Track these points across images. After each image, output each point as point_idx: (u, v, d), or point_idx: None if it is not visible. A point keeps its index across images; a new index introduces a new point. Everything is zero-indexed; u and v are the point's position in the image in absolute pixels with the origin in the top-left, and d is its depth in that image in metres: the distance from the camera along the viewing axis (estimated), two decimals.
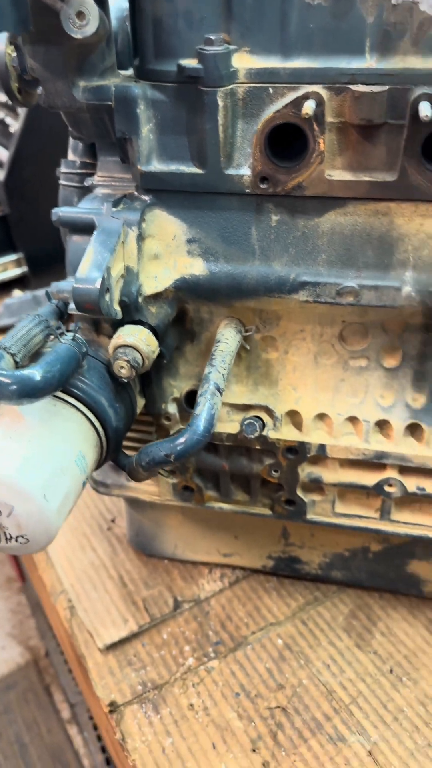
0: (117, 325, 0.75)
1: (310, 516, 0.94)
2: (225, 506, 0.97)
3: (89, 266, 0.70)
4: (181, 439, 0.72)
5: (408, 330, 0.78)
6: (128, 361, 0.71)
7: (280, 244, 0.74)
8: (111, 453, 0.77)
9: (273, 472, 0.91)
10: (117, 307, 0.74)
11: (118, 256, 0.73)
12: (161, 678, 0.97)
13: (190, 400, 0.89)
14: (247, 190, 0.72)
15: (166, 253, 0.77)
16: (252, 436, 0.86)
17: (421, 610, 1.04)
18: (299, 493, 0.92)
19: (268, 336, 0.84)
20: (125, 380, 0.72)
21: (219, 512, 0.98)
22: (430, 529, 0.91)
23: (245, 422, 0.86)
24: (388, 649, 0.99)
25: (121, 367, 0.71)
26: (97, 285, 0.68)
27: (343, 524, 0.93)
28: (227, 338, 0.79)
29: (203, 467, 0.94)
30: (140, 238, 0.74)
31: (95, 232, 0.72)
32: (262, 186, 0.71)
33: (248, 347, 0.84)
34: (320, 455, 0.87)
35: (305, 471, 0.90)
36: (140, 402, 0.86)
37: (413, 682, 0.94)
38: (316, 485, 0.92)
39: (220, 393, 0.75)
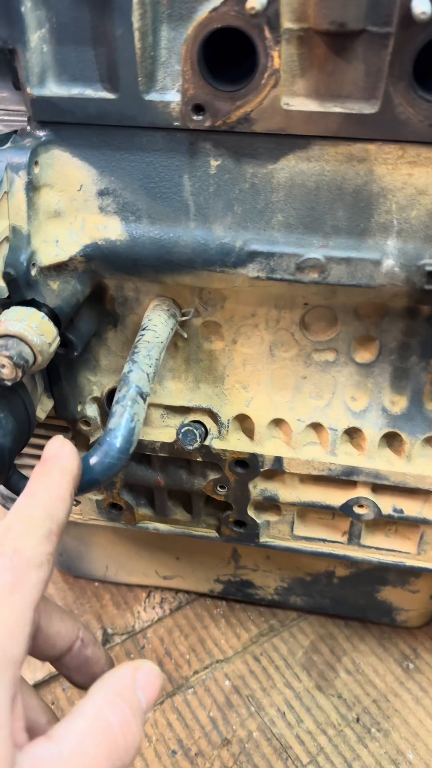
0: (1, 307, 0.56)
1: (264, 539, 0.77)
2: (161, 527, 0.79)
3: None
4: (91, 461, 0.54)
5: (387, 316, 0.61)
6: (10, 358, 0.52)
7: (222, 200, 0.56)
8: None
9: (219, 489, 0.73)
10: (1, 282, 0.55)
11: (1, 211, 0.54)
12: None
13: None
14: (176, 123, 0.53)
15: (70, 210, 0.58)
16: (191, 447, 0.68)
17: (392, 641, 0.89)
18: (251, 513, 0.75)
19: (210, 321, 0.66)
20: (8, 383, 0.53)
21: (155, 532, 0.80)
22: (407, 556, 0.74)
23: (183, 429, 0.68)
24: (355, 692, 0.83)
25: (1, 366, 0.52)
26: None
27: (303, 549, 0.76)
28: (156, 325, 0.61)
29: (133, 482, 0.76)
30: (31, 187, 0.54)
31: None
32: (195, 118, 0.52)
33: (185, 335, 0.65)
34: (276, 470, 0.70)
35: (258, 488, 0.73)
36: (47, 404, 0.68)
37: (383, 734, 0.79)
38: (271, 504, 0.75)
39: (144, 399, 0.56)
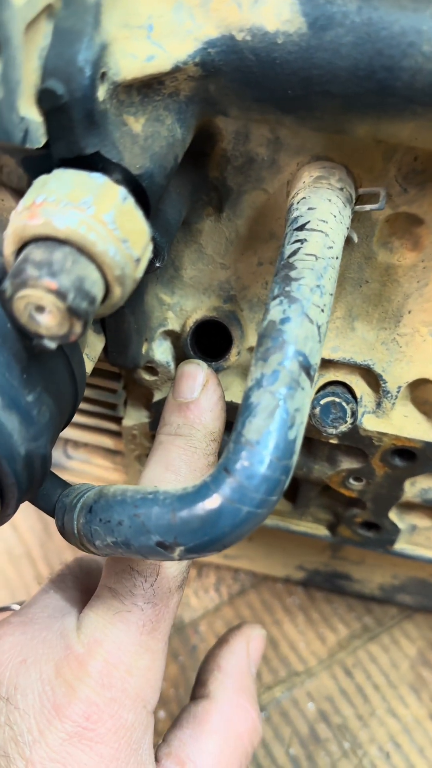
0: (33, 172, 0.26)
1: (400, 546, 0.52)
2: None
3: None
4: (205, 505, 0.27)
5: None
6: (61, 295, 0.22)
7: None
8: (22, 496, 0.30)
9: (352, 482, 0.47)
10: (32, 112, 0.24)
11: None
12: None
13: (203, 338, 0.42)
14: None
15: None
16: (335, 431, 0.40)
17: None
18: (392, 515, 0.49)
19: (406, 215, 0.35)
20: (51, 346, 0.24)
21: None
22: None
23: (322, 401, 0.40)
24: None
25: (38, 315, 0.23)
26: None
27: None
28: (324, 220, 0.31)
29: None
30: None
31: None
32: None
33: (356, 239, 0.35)
34: None
35: (418, 486, 0.46)
36: (95, 346, 0.39)
37: None
38: (428, 507, 0.49)
39: (311, 378, 0.28)
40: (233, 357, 0.41)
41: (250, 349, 0.42)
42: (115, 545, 0.29)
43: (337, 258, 0.30)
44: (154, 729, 0.36)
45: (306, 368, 0.28)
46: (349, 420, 0.40)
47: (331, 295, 0.30)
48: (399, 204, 0.35)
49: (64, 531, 0.32)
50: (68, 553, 0.71)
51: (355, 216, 0.36)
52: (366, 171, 0.34)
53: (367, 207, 0.33)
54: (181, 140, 0.30)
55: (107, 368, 0.43)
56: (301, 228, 0.31)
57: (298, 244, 0.30)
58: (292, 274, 0.29)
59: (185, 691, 0.63)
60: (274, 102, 0.29)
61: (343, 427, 0.40)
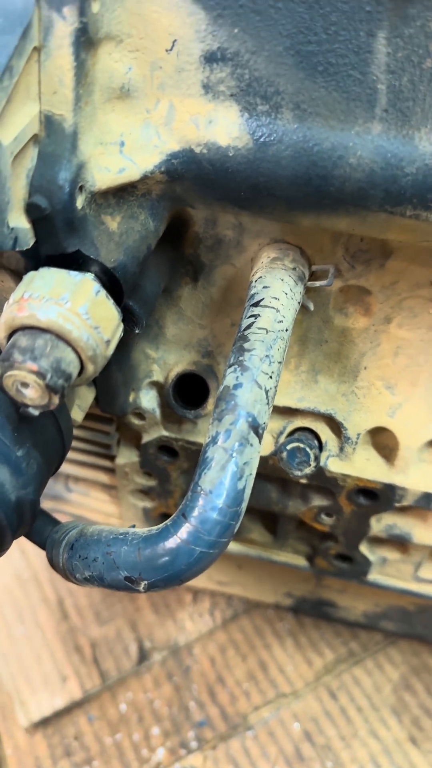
0: (28, 257, 0.32)
1: (373, 577, 0.56)
2: (230, 547, 0.58)
3: None
4: (166, 545, 0.31)
5: None
6: (41, 374, 0.28)
7: None
8: (14, 535, 0.35)
9: (323, 517, 0.51)
10: (21, 221, 0.30)
11: (21, 85, 0.27)
12: None
13: (184, 389, 0.47)
14: None
15: (149, 88, 0.31)
16: (300, 473, 0.45)
17: None
18: (363, 549, 0.53)
19: (355, 287, 0.40)
20: (34, 413, 0.29)
21: None
22: None
23: (289, 446, 0.45)
24: None
25: (24, 389, 0.28)
26: None
27: (426, 594, 0.55)
28: (276, 297, 0.36)
29: None
30: (84, 40, 0.28)
31: None
32: None
33: (311, 307, 0.40)
34: (419, 507, 0.47)
35: (383, 522, 0.50)
36: (85, 398, 0.44)
37: None
38: (395, 541, 0.53)
39: (260, 437, 0.33)
40: (210, 405, 0.46)
41: None
42: (92, 579, 0.34)
43: (287, 330, 0.35)
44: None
45: (254, 428, 0.33)
46: (313, 463, 0.45)
47: (280, 363, 0.34)
48: (348, 278, 0.40)
49: (52, 563, 0.37)
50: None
51: (312, 289, 0.41)
52: (317, 251, 0.39)
53: (317, 283, 0.38)
54: (154, 231, 0.36)
55: (101, 414, 0.49)
56: (256, 304, 0.36)
57: (252, 319, 0.35)
58: (246, 345, 0.34)
59: (178, 709, 0.67)
60: (231, 201, 0.34)
61: (308, 470, 0.45)
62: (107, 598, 0.75)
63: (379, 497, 0.47)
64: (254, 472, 0.33)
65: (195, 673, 0.70)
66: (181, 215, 0.39)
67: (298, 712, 0.68)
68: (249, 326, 0.35)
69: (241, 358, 0.34)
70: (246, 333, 0.34)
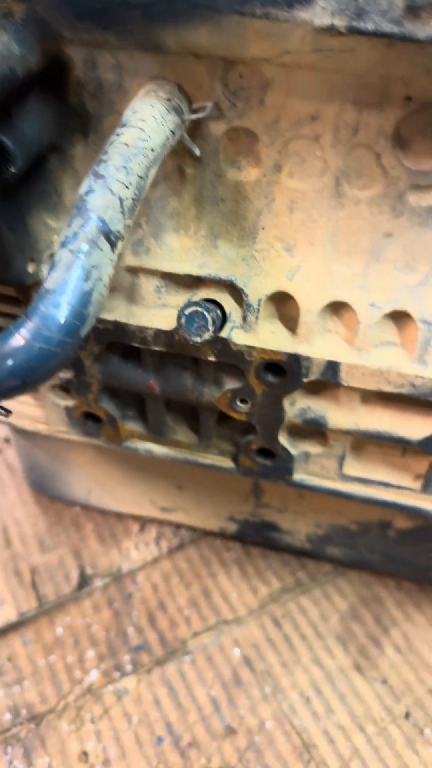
0: None
1: (299, 476, 0.54)
2: (156, 449, 0.57)
3: None
4: (11, 343, 0.31)
5: None
6: None
7: None
8: None
9: (238, 404, 0.50)
10: None
11: None
12: (44, 702, 0.61)
13: None
14: None
15: None
16: (199, 339, 0.44)
17: None
18: (282, 440, 0.51)
19: (240, 129, 0.39)
20: None
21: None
22: None
23: (187, 311, 0.44)
24: (406, 677, 0.63)
25: None
26: None
27: (354, 494, 0.53)
28: (143, 119, 0.35)
29: (116, 385, 0.52)
30: None
31: None
32: None
33: (197, 152, 0.39)
34: (328, 381, 0.45)
35: (297, 405, 0.49)
36: None
37: None
38: (314, 430, 0.51)
39: (112, 243, 0.32)
40: None
41: (126, 269, 0.46)
42: None
43: (152, 150, 0.35)
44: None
45: (105, 233, 0.32)
46: (211, 328, 0.43)
47: (141, 178, 0.34)
48: (231, 118, 0.39)
49: None
50: (20, 512, 0.75)
51: (196, 133, 0.40)
52: (196, 88, 0.38)
53: (194, 116, 0.38)
54: (20, 57, 0.35)
55: (6, 292, 0.48)
56: (123, 125, 0.35)
57: (115, 137, 0.34)
58: (104, 157, 0.33)
59: (116, 634, 0.65)
60: (91, 18, 0.34)
61: (207, 335, 0.44)
62: (53, 527, 0.73)
63: (285, 371, 0.46)
64: (106, 280, 0.32)
65: (136, 599, 0.68)
66: (58, 57, 0.38)
67: (239, 639, 0.65)
68: (111, 143, 0.34)
69: (96, 168, 0.33)
70: (107, 148, 0.34)
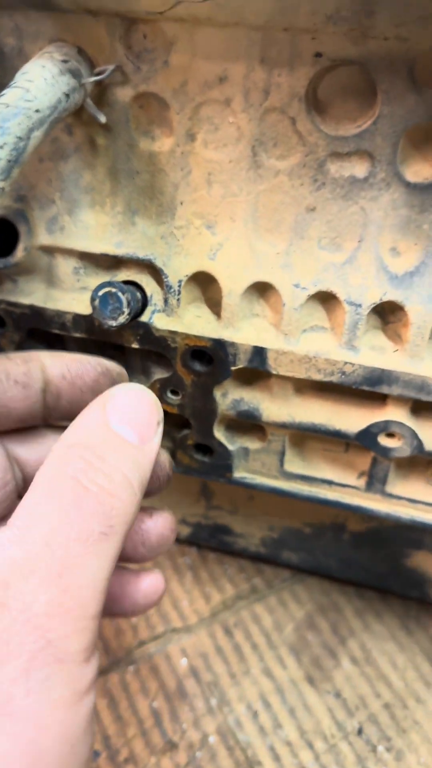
0: None
1: (239, 474, 0.51)
2: None
3: None
4: None
5: None
6: None
7: None
8: None
9: (169, 395, 0.47)
10: None
11: None
12: None
13: None
14: None
15: None
16: (113, 323, 0.41)
17: (420, 624, 0.64)
18: (218, 434, 0.48)
19: (148, 94, 0.37)
20: None
21: None
22: None
23: (100, 292, 0.41)
24: (360, 690, 0.59)
25: None
26: None
27: (296, 492, 0.50)
28: (30, 80, 0.32)
29: None
30: None
31: None
32: None
33: (103, 119, 0.37)
34: (256, 369, 0.42)
35: (229, 397, 0.46)
36: None
37: (395, 756, 0.55)
38: (250, 424, 0.48)
39: None
40: (20, 253, 0.42)
41: (41, 248, 0.43)
42: None
43: (38, 111, 0.32)
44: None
45: None
46: (126, 310, 0.41)
47: (20, 138, 0.31)
48: (137, 83, 0.36)
49: None
50: None
51: (103, 100, 0.37)
52: (98, 51, 0.36)
53: (98, 78, 0.35)
54: None
55: None
56: (8, 87, 0.32)
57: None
58: None
59: None
60: None
61: (122, 318, 0.41)
62: None
63: (212, 358, 0.43)
64: None
65: None
66: None
67: (187, 648, 0.62)
68: None
69: None
70: None
